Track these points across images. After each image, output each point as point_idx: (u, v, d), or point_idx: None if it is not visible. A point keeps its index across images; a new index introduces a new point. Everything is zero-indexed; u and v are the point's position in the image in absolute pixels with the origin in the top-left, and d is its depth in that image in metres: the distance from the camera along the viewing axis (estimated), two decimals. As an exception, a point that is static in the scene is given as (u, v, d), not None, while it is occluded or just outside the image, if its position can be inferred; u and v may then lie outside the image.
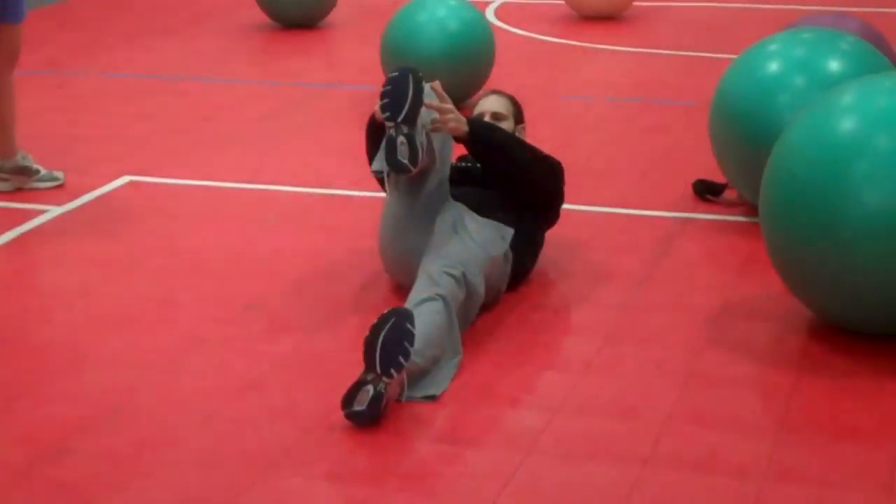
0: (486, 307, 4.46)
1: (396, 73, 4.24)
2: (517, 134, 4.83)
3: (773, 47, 5.35)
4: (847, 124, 4.11)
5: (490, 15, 10.23)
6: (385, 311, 3.71)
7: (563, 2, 10.16)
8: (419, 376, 3.89)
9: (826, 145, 4.10)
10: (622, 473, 3.42)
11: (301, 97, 7.63)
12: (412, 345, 3.64)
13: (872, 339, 4.20)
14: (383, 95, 4.21)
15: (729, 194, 5.65)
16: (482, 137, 4.51)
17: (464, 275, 4.15)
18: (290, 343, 4.26)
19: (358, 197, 5.75)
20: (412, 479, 3.43)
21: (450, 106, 4.39)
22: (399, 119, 4.17)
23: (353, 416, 3.67)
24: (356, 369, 3.73)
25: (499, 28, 9.69)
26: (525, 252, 4.69)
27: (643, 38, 9.26)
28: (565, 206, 4.88)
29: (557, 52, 8.89)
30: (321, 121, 7.11)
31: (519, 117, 4.95)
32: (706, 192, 5.68)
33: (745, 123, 5.19)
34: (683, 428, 3.67)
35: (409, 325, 3.64)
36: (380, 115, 4.27)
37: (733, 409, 3.78)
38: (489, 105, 4.89)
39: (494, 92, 5.04)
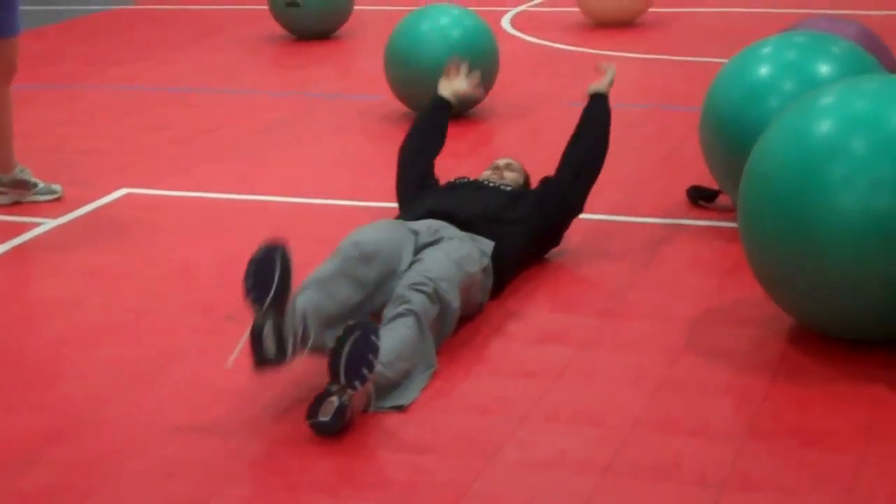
0: (467, 318, 4.45)
1: (262, 253, 3.72)
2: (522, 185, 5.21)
3: (764, 51, 5.31)
4: (822, 127, 4.07)
5: (506, 23, 10.23)
6: (350, 323, 3.70)
7: (579, 9, 10.15)
8: (388, 388, 3.88)
9: (801, 149, 4.06)
10: (581, 482, 3.40)
11: (307, 108, 7.65)
12: (377, 357, 3.63)
13: (851, 345, 4.16)
14: (247, 276, 3.69)
15: (723, 200, 5.61)
16: (605, 103, 5.12)
17: (436, 290, 4.13)
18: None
19: (353, 207, 5.76)
20: (370, 489, 3.42)
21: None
22: (265, 305, 3.66)
23: (317, 427, 3.67)
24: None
25: (512, 36, 9.69)
26: (509, 262, 4.69)
27: (656, 45, 9.23)
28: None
29: (569, 59, 8.88)
30: (324, 131, 7.13)
31: (527, 181, 5.27)
32: (699, 198, 5.64)
33: (734, 128, 5.15)
34: (649, 435, 3.65)
35: (373, 338, 3.63)
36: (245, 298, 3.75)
37: (703, 416, 3.75)
38: (503, 161, 5.26)
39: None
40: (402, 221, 4.52)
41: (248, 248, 5.21)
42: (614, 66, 5.31)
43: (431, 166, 5.19)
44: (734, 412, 3.79)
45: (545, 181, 5.07)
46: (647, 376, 4.02)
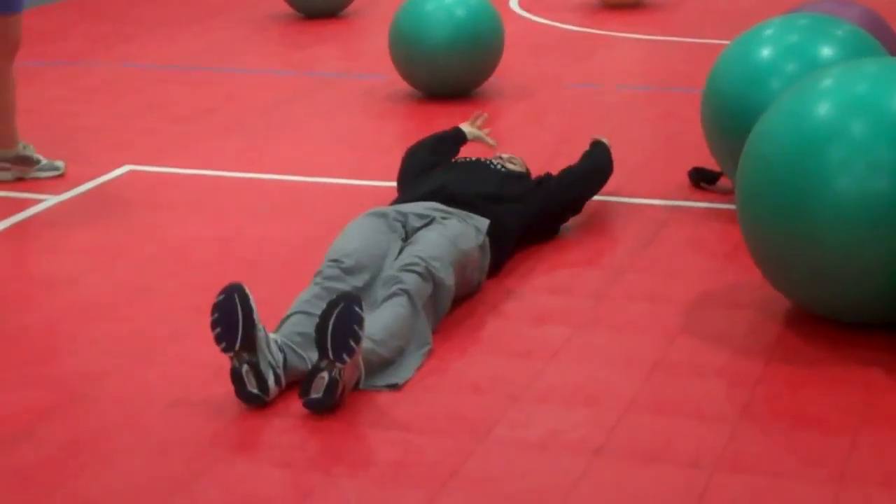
0: (465, 296, 4.46)
1: (221, 297, 3.71)
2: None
3: (767, 33, 5.29)
4: (822, 109, 4.06)
5: (514, 4, 10.20)
6: (333, 297, 3.71)
7: (587, -10, 10.12)
8: (382, 367, 3.89)
9: (799, 131, 4.05)
10: (572, 463, 3.40)
11: (311, 86, 7.64)
12: (362, 328, 3.63)
13: (848, 328, 4.15)
14: (213, 325, 3.71)
15: (724, 182, 5.60)
16: (607, 154, 5.34)
17: (428, 269, 4.13)
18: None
19: (354, 186, 5.76)
20: (361, 467, 3.43)
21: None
22: (236, 347, 3.70)
23: (310, 405, 3.67)
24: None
25: (520, 17, 9.67)
26: (507, 240, 4.70)
27: (664, 26, 9.20)
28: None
29: (576, 40, 8.86)
30: (327, 110, 7.12)
31: (528, 174, 5.29)
32: (701, 180, 5.63)
33: (735, 109, 5.14)
34: (642, 417, 3.65)
35: (357, 308, 3.63)
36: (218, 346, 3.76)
37: (696, 398, 3.75)
38: (506, 155, 5.30)
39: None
40: (386, 212, 4.47)
41: (245, 227, 5.26)
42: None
43: (434, 166, 5.25)
44: (728, 394, 3.79)
45: (548, 176, 5.14)
46: (642, 358, 4.02)
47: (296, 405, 3.74)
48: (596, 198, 5.42)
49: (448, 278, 4.20)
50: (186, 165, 6.13)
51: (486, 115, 5.67)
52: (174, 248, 5.06)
